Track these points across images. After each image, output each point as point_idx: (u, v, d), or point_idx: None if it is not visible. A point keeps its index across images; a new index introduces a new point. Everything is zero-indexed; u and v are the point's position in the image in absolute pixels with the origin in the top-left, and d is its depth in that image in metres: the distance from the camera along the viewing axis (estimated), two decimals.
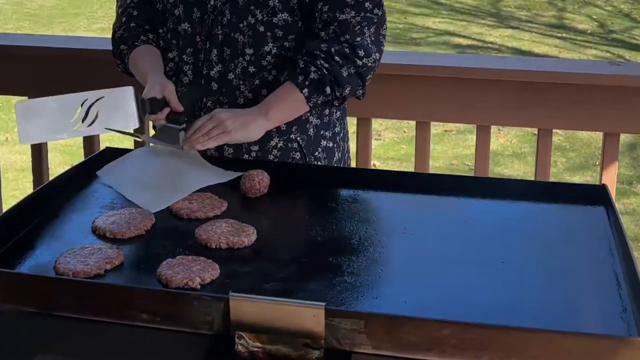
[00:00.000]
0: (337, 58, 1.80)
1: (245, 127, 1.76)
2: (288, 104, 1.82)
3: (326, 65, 1.80)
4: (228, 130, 1.74)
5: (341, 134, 2.04)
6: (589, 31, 9.64)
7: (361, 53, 1.81)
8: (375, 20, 1.84)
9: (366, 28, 1.83)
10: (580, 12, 10.29)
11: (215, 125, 1.74)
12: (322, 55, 1.80)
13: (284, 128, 1.90)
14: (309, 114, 1.93)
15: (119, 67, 2.01)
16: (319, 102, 1.82)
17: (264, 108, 1.80)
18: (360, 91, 1.87)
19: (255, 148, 1.90)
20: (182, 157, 1.76)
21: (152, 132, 2.04)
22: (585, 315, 1.26)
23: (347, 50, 1.81)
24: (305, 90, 1.79)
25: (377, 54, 1.85)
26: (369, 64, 1.83)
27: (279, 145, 1.91)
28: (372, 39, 1.84)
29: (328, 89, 1.80)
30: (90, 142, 2.73)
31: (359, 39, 1.82)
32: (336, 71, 1.80)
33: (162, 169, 1.73)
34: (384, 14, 1.86)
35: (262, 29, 1.84)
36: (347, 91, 1.82)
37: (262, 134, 1.80)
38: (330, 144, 1.99)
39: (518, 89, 2.42)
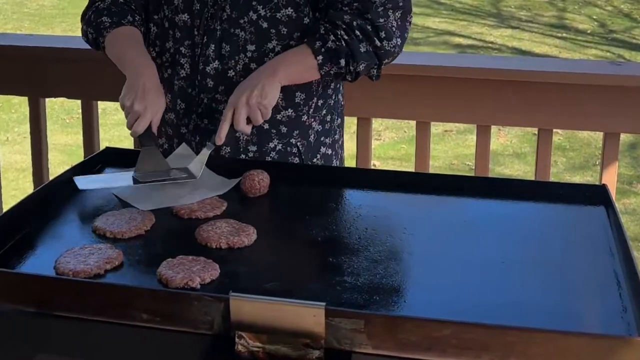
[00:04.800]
0: (357, 32, 1.78)
1: (264, 94, 1.72)
2: (299, 68, 1.80)
3: (345, 37, 1.77)
4: (260, 108, 1.72)
5: (340, 142, 2.03)
6: (589, 31, 9.64)
7: (382, 35, 1.79)
8: (401, 4, 1.81)
9: (391, 11, 1.80)
10: (580, 12, 10.29)
11: (244, 110, 1.71)
12: (344, 27, 1.78)
13: (285, 131, 1.89)
14: (312, 120, 1.92)
15: (87, 36, 1.94)
16: (332, 72, 1.80)
17: (273, 68, 1.77)
18: (375, 72, 1.85)
19: (253, 149, 1.89)
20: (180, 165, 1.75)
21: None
22: (585, 315, 1.26)
23: (368, 27, 1.78)
24: (320, 57, 1.77)
25: (398, 40, 1.82)
26: (388, 48, 1.80)
27: (277, 147, 1.90)
28: (398, 23, 1.81)
29: (343, 62, 1.78)
30: (90, 142, 2.73)
31: (382, 20, 1.79)
32: (354, 45, 1.77)
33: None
34: (410, 2, 1.84)
35: (265, 25, 1.81)
36: (361, 67, 1.80)
37: (279, 92, 1.76)
38: (330, 151, 1.98)
39: (518, 89, 2.42)
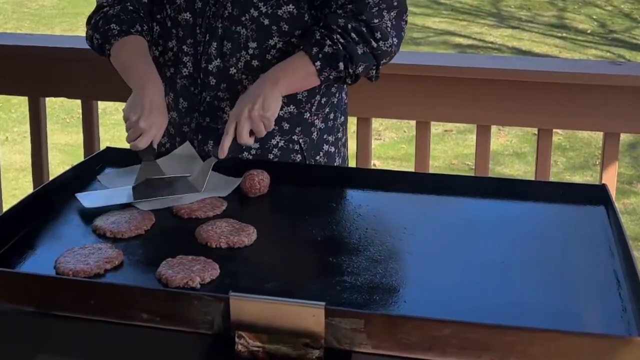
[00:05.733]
0: (353, 35, 1.78)
1: (266, 106, 1.71)
2: (300, 76, 1.79)
3: (342, 41, 1.77)
4: (262, 120, 1.71)
5: (342, 140, 2.03)
6: (589, 31, 9.64)
7: (378, 35, 1.79)
8: (395, 4, 1.81)
9: (385, 12, 1.80)
10: (580, 12, 10.29)
11: (247, 124, 1.70)
12: (339, 31, 1.78)
13: (287, 128, 1.89)
14: (314, 117, 1.92)
15: (93, 41, 1.91)
16: (331, 77, 1.79)
17: (274, 78, 1.76)
18: (374, 72, 1.85)
19: (256, 146, 1.88)
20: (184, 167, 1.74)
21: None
22: (585, 315, 1.26)
23: (363, 29, 1.78)
24: (318, 63, 1.76)
25: (394, 39, 1.82)
26: (384, 48, 1.81)
27: (280, 144, 1.90)
28: (393, 23, 1.81)
29: (341, 65, 1.77)
30: (90, 142, 2.73)
31: (376, 20, 1.79)
32: (351, 48, 1.77)
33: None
34: (405, 1, 1.84)
35: (266, 22, 1.81)
36: (360, 69, 1.80)
37: (280, 103, 1.75)
38: (332, 149, 1.98)
39: (518, 89, 2.42)
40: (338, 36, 1.77)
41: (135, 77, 1.81)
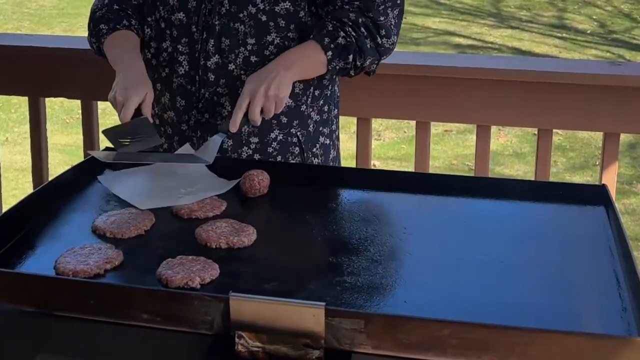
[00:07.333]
0: (362, 29, 1.83)
1: (281, 86, 1.74)
2: (311, 63, 1.83)
3: (354, 34, 1.82)
4: (275, 100, 1.74)
5: (336, 132, 2.06)
6: (589, 31, 9.64)
7: (382, 32, 1.84)
8: (398, 2, 1.86)
9: (390, 10, 1.85)
10: (580, 12, 10.29)
11: (261, 101, 1.72)
12: (350, 24, 1.82)
13: (285, 121, 1.91)
14: (310, 110, 1.93)
15: (92, 45, 2.00)
16: (338, 67, 1.84)
17: (288, 62, 1.79)
18: (374, 67, 1.91)
19: (255, 140, 1.90)
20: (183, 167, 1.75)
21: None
22: (585, 315, 1.26)
23: (370, 24, 1.83)
24: (330, 53, 1.81)
25: (395, 37, 1.88)
26: (387, 45, 1.86)
27: (279, 138, 1.92)
28: (396, 21, 1.87)
29: (351, 57, 1.82)
30: (90, 142, 2.73)
31: (382, 18, 1.84)
32: (362, 41, 1.82)
33: (163, 179, 1.72)
34: (404, 1, 1.89)
35: (264, 18, 1.84)
36: (367, 62, 1.85)
37: (291, 87, 1.78)
38: (328, 141, 2.00)
39: (518, 89, 2.42)
40: (350, 29, 1.82)
41: (117, 64, 1.86)
